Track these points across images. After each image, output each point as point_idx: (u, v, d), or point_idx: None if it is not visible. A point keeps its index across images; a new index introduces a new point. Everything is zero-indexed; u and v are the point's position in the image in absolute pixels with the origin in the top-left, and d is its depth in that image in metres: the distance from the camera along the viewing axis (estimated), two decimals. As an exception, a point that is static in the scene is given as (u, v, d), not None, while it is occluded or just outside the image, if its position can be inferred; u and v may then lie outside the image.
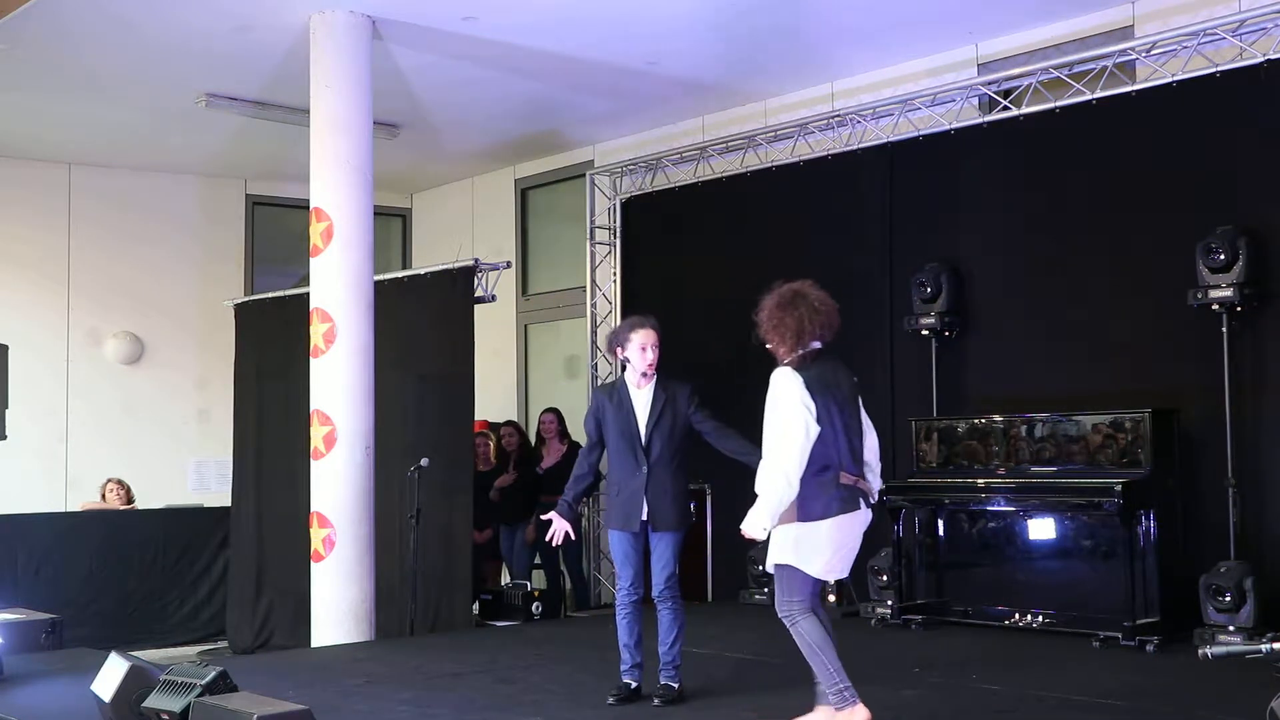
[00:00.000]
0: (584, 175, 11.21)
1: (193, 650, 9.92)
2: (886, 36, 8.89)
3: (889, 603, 8.11)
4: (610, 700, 5.82)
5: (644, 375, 5.89)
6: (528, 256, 12.57)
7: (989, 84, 8.57)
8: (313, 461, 8.40)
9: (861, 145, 9.23)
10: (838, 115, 9.37)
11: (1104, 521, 7.38)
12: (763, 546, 9.13)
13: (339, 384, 8.33)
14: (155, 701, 4.98)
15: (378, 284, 8.75)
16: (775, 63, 9.46)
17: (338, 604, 8.27)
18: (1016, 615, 7.69)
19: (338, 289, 8.37)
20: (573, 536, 6.09)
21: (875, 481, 5.05)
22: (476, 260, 9.51)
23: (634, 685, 5.90)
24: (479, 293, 9.53)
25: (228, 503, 10.93)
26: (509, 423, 10.86)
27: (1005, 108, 8.45)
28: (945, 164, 8.84)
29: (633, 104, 10.44)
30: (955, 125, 8.71)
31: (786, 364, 4.94)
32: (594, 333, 10.94)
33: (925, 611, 8.05)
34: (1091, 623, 7.25)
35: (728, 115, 10.53)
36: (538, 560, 10.47)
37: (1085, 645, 7.08)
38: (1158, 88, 7.71)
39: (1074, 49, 8.35)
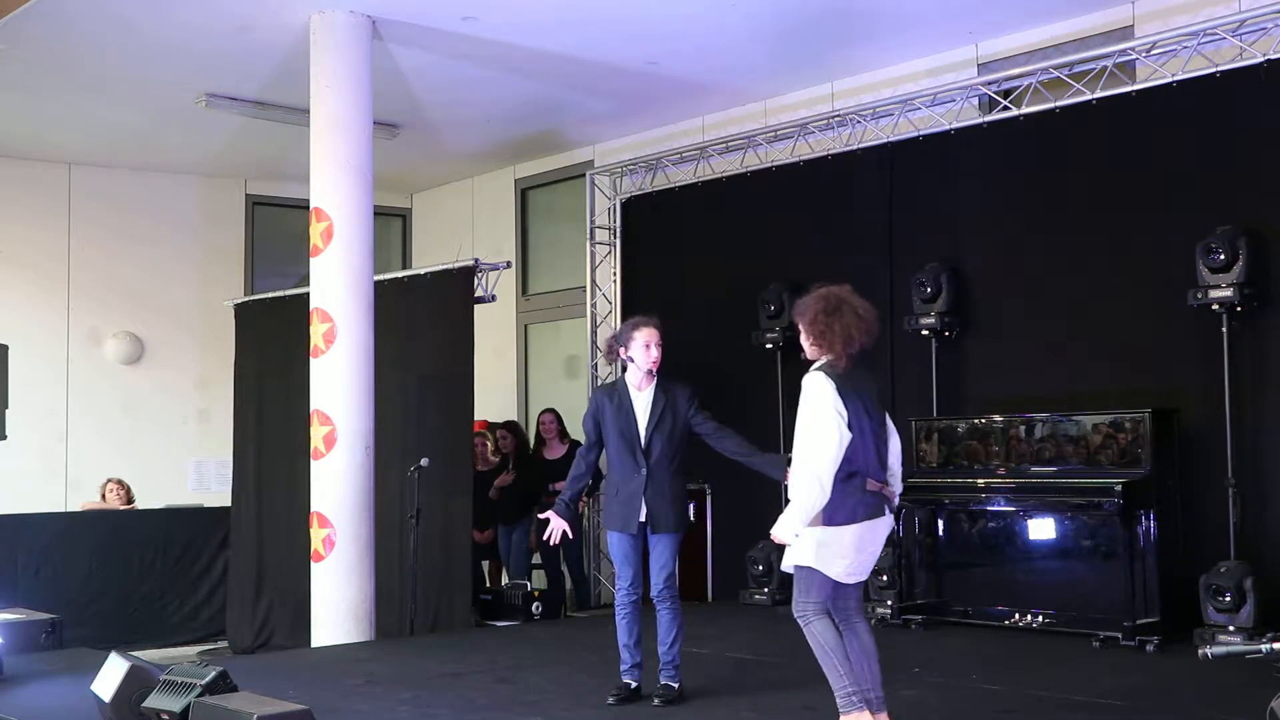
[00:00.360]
0: (584, 175, 11.21)
1: (193, 650, 9.93)
2: (886, 36, 8.90)
3: (889, 603, 8.11)
4: (610, 700, 5.83)
5: (647, 374, 5.89)
6: (528, 256, 12.57)
7: (989, 84, 8.57)
8: (313, 461, 8.40)
9: (861, 145, 9.23)
10: (838, 115, 9.37)
11: (1104, 521, 7.38)
12: (764, 547, 9.21)
13: (339, 384, 8.33)
14: (155, 701, 4.98)
15: (378, 284, 8.76)
16: (775, 63, 9.46)
17: (338, 604, 8.27)
18: (1016, 615, 7.69)
19: (338, 289, 8.37)
20: (570, 535, 6.10)
21: (896, 486, 5.05)
22: (476, 260, 9.51)
23: (634, 685, 5.90)
24: (479, 293, 9.53)
25: (228, 503, 10.93)
26: (507, 423, 10.86)
27: (1005, 108, 8.45)
28: (945, 164, 8.84)
29: (633, 104, 10.44)
30: (955, 125, 8.71)
31: (819, 368, 4.92)
32: (594, 333, 10.94)
33: (925, 611, 8.04)
34: (1091, 623, 7.25)
35: (728, 115, 10.53)
36: (537, 560, 10.47)
37: (1085, 645, 7.08)
38: (1158, 88, 7.71)
39: (1074, 49, 8.35)
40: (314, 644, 8.30)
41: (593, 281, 11.06)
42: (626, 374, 5.99)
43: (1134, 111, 7.87)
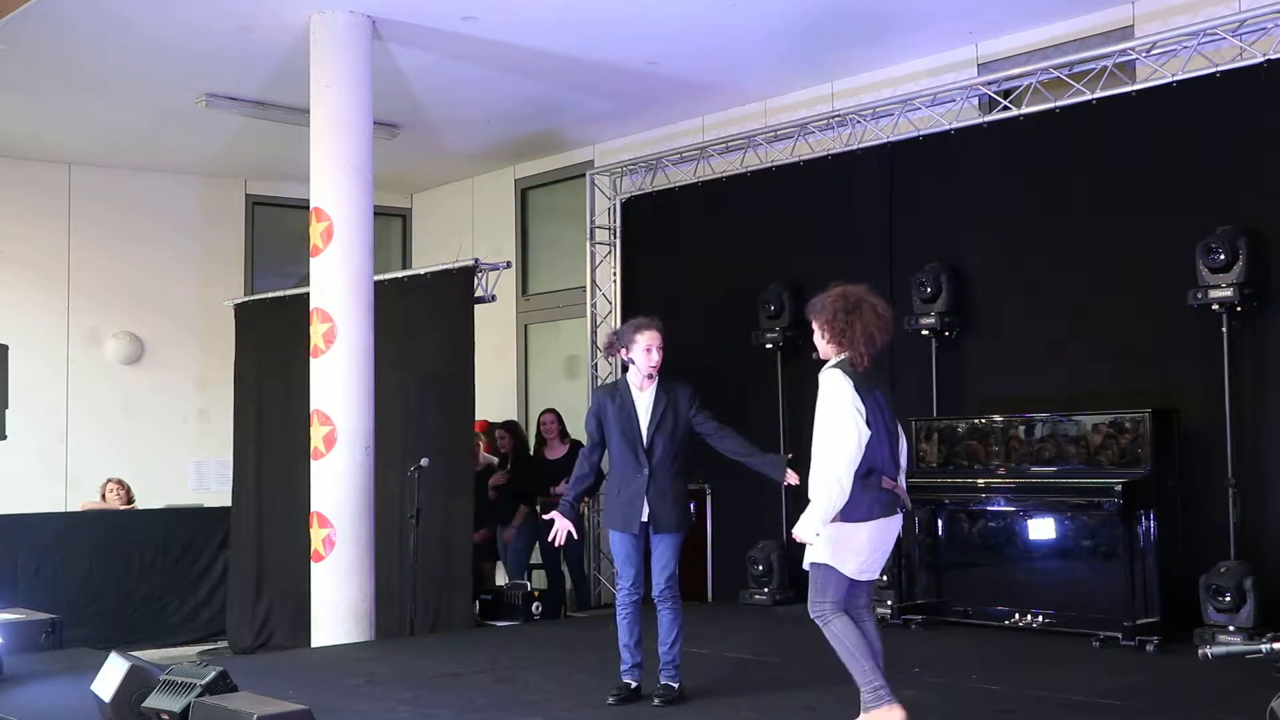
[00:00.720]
0: (584, 175, 11.21)
1: (193, 650, 9.93)
2: (886, 36, 8.89)
3: (889, 603, 8.10)
4: (610, 700, 5.83)
5: (648, 377, 5.89)
6: (528, 256, 12.57)
7: (989, 84, 8.57)
8: (313, 461, 8.40)
9: (861, 145, 9.23)
10: (838, 115, 9.37)
11: (1104, 521, 7.38)
12: (764, 547, 9.20)
13: (339, 384, 8.33)
14: (155, 701, 4.98)
15: (378, 284, 8.76)
16: (775, 63, 9.47)
17: (338, 604, 8.27)
18: (1016, 615, 7.69)
19: (338, 289, 8.37)
20: (575, 536, 6.09)
21: (902, 484, 5.06)
22: (476, 260, 9.51)
23: (634, 685, 5.90)
24: (479, 293, 9.53)
25: (228, 503, 10.93)
26: (506, 423, 10.86)
27: (1005, 108, 8.45)
28: (945, 164, 8.84)
29: (633, 104, 10.44)
30: (955, 125, 8.71)
31: (836, 366, 4.92)
32: (594, 333, 10.94)
33: (925, 611, 8.04)
34: (1091, 623, 7.25)
35: (728, 115, 10.53)
36: (537, 559, 10.48)
37: (1085, 645, 7.08)
38: (1158, 88, 7.71)
39: (1074, 49, 8.35)
40: (314, 644, 8.30)
41: (593, 281, 11.06)
42: (628, 374, 5.99)
43: (1134, 111, 7.87)
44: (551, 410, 10.55)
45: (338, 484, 8.29)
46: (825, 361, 5.02)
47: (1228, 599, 6.78)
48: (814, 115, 9.57)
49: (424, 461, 8.63)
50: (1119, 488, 7.11)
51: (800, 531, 4.83)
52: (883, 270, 8.99)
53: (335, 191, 8.41)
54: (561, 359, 12.28)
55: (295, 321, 9.19)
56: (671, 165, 10.55)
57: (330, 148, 8.44)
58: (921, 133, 8.88)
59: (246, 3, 8.21)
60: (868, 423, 4.79)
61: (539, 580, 10.46)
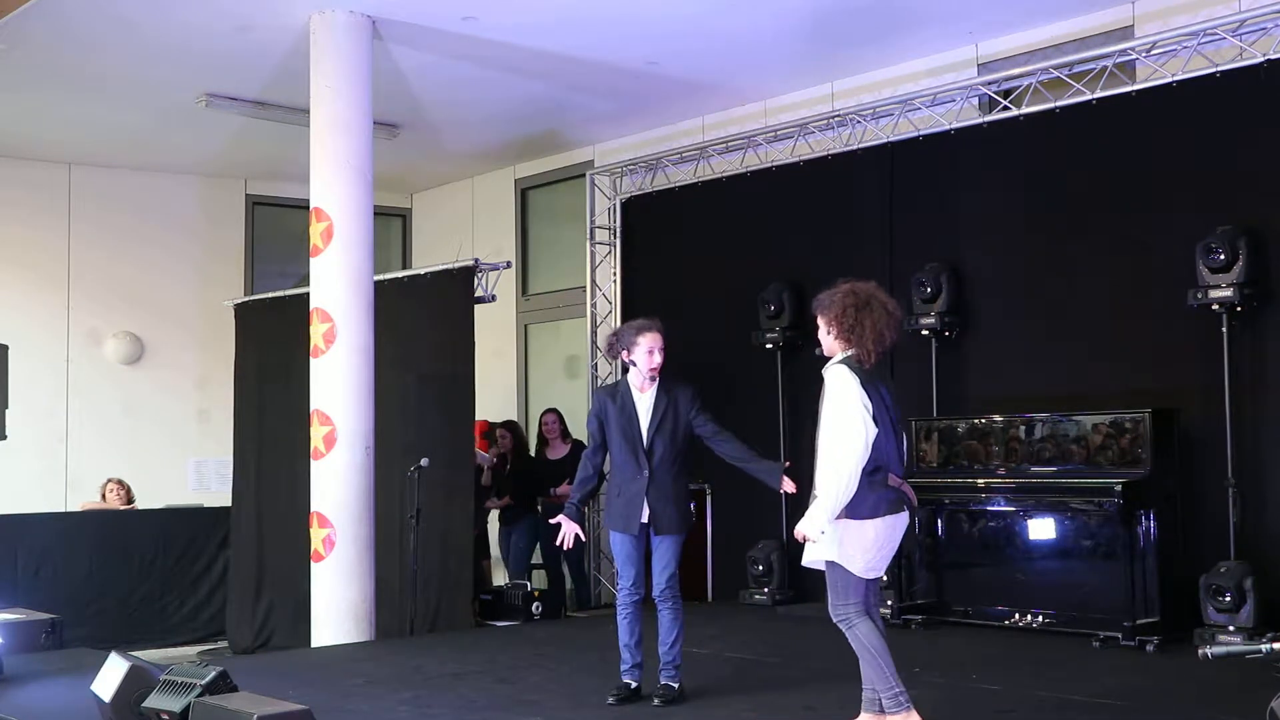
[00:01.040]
0: (584, 175, 11.21)
1: (193, 650, 9.93)
2: (886, 36, 8.89)
3: (889, 602, 8.10)
4: (610, 700, 5.83)
5: (649, 379, 5.89)
6: (528, 256, 12.57)
7: (989, 84, 8.57)
8: (313, 461, 8.40)
9: (861, 145, 9.23)
10: (838, 115, 9.37)
11: (1104, 521, 7.38)
12: (764, 547, 9.20)
13: (339, 384, 8.34)
14: (155, 701, 4.98)
15: (378, 284, 8.76)
16: (775, 63, 9.47)
17: (337, 604, 8.27)
18: (1016, 615, 7.69)
19: (338, 289, 8.37)
20: (583, 539, 6.09)
21: None
22: (476, 260, 9.51)
23: (634, 685, 5.90)
24: (479, 293, 9.52)
25: (228, 503, 10.93)
26: (506, 423, 10.87)
27: (1005, 108, 8.44)
28: (945, 164, 8.84)
29: (633, 104, 10.44)
30: (955, 125, 8.71)
31: (841, 362, 4.89)
32: (594, 333, 10.94)
33: (925, 611, 8.05)
34: (1091, 623, 7.26)
35: (728, 115, 10.53)
36: (536, 559, 10.48)
37: (1085, 645, 7.08)
38: (1158, 88, 7.71)
39: (1074, 49, 8.34)
40: (314, 644, 8.30)
41: (593, 281, 11.06)
42: (629, 375, 5.99)
43: (1134, 111, 7.87)
44: (553, 410, 10.56)
45: (338, 484, 8.29)
46: (827, 358, 5.00)
47: (1228, 599, 6.78)
48: (814, 115, 9.57)
49: (424, 461, 8.62)
50: (1119, 488, 7.11)
51: (805, 528, 4.80)
52: (883, 270, 8.98)
53: (335, 191, 8.41)
54: (561, 359, 12.28)
55: (295, 321, 9.19)
56: (671, 165, 10.55)
57: (330, 148, 8.44)
58: (921, 133, 8.88)
59: (246, 3, 8.21)
60: (874, 419, 4.78)
61: (539, 580, 10.46)
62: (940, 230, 8.86)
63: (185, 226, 12.53)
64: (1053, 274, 8.27)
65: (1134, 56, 7.87)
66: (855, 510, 4.77)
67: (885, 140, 9.09)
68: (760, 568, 9.19)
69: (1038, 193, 8.41)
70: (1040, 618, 7.59)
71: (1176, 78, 7.61)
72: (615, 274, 11.01)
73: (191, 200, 12.62)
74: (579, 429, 9.92)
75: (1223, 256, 7.17)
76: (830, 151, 9.41)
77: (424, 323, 9.68)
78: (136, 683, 5.11)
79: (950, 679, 6.26)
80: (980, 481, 7.93)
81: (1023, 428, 7.91)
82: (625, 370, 6.05)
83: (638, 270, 10.92)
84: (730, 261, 10.04)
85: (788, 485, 5.68)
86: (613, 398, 5.96)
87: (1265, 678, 5.19)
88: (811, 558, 4.92)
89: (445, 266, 9.73)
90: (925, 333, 8.62)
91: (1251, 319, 7.29)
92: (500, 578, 10.58)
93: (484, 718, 5.72)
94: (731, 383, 9.47)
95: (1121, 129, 7.95)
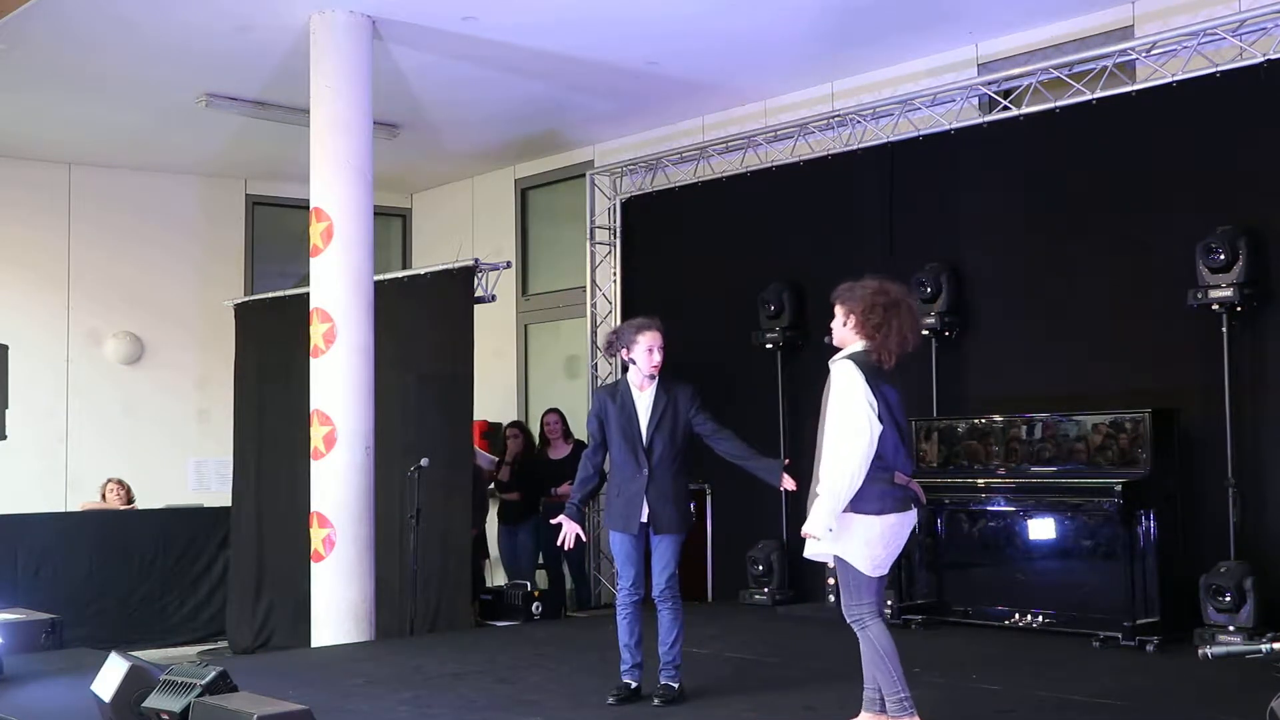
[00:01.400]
0: (584, 175, 11.21)
1: (193, 650, 9.93)
2: (886, 36, 8.89)
3: (889, 602, 8.09)
4: (610, 700, 5.83)
5: (649, 377, 5.89)
6: (528, 256, 12.56)
7: (989, 84, 8.57)
8: (313, 461, 8.40)
9: (861, 145, 9.23)
10: (838, 115, 9.37)
11: (1104, 521, 7.38)
12: (764, 547, 9.20)
13: (339, 384, 8.33)
14: (155, 701, 4.98)
15: (378, 284, 8.76)
16: (775, 63, 9.46)
17: (338, 604, 8.27)
18: (1016, 615, 7.69)
19: (338, 289, 8.37)
20: (584, 539, 6.08)
21: None
22: (476, 260, 9.51)
23: (634, 685, 5.90)
24: (479, 293, 9.53)
25: (228, 503, 10.93)
26: (514, 423, 10.88)
27: (1005, 108, 8.44)
28: (945, 164, 8.84)
29: (633, 104, 10.44)
30: (955, 125, 8.71)
31: (848, 357, 4.87)
32: (594, 333, 10.94)
33: (925, 611, 8.05)
34: (1091, 623, 7.26)
35: (728, 115, 10.53)
36: (542, 559, 10.48)
37: (1085, 645, 7.08)
38: (1158, 88, 7.71)
39: (1074, 49, 8.34)
40: (314, 644, 8.30)
41: (593, 281, 11.06)
42: (628, 374, 5.99)
43: (1134, 111, 7.87)
44: (554, 410, 10.57)
45: (338, 484, 8.29)
46: (835, 348, 4.99)
47: (1228, 599, 6.78)
48: (814, 115, 9.57)
49: (424, 461, 8.62)
50: (1119, 488, 7.11)
51: (811, 527, 4.79)
52: (883, 271, 8.91)
53: (335, 191, 8.41)
54: (561, 359, 12.28)
55: (295, 321, 9.20)
56: (671, 165, 10.55)
57: (330, 148, 8.44)
58: (921, 133, 8.88)
59: (246, 3, 8.21)
60: (880, 417, 4.76)
61: (539, 580, 10.46)
62: (940, 230, 8.86)
63: (185, 226, 12.53)
64: (1053, 274, 8.27)
65: (1134, 56, 7.87)
66: (862, 506, 4.76)
67: (885, 140, 9.08)
68: (760, 568, 9.19)
69: (1038, 193, 8.41)
70: (1040, 618, 7.59)
71: (1176, 78, 7.61)
72: (615, 274, 11.01)
73: (191, 200, 12.62)
74: (579, 429, 9.92)
75: (1223, 256, 7.17)
76: (830, 151, 9.41)
77: (424, 323, 9.68)
78: (136, 683, 5.11)
79: (950, 679, 6.26)
80: (980, 481, 7.93)
81: (1023, 428, 7.91)
82: (625, 369, 6.05)
83: (638, 270, 10.91)
84: (730, 261, 10.04)
85: (788, 483, 5.67)
86: (613, 397, 5.97)
87: (1265, 678, 5.19)
88: (815, 550, 4.90)
89: (445, 266, 9.73)
90: (925, 333, 8.60)
91: (1251, 319, 7.28)
92: (499, 578, 10.57)
93: (484, 718, 5.72)
94: (731, 383, 9.47)
95: (1121, 129, 7.95)
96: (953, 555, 8.24)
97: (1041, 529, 7.77)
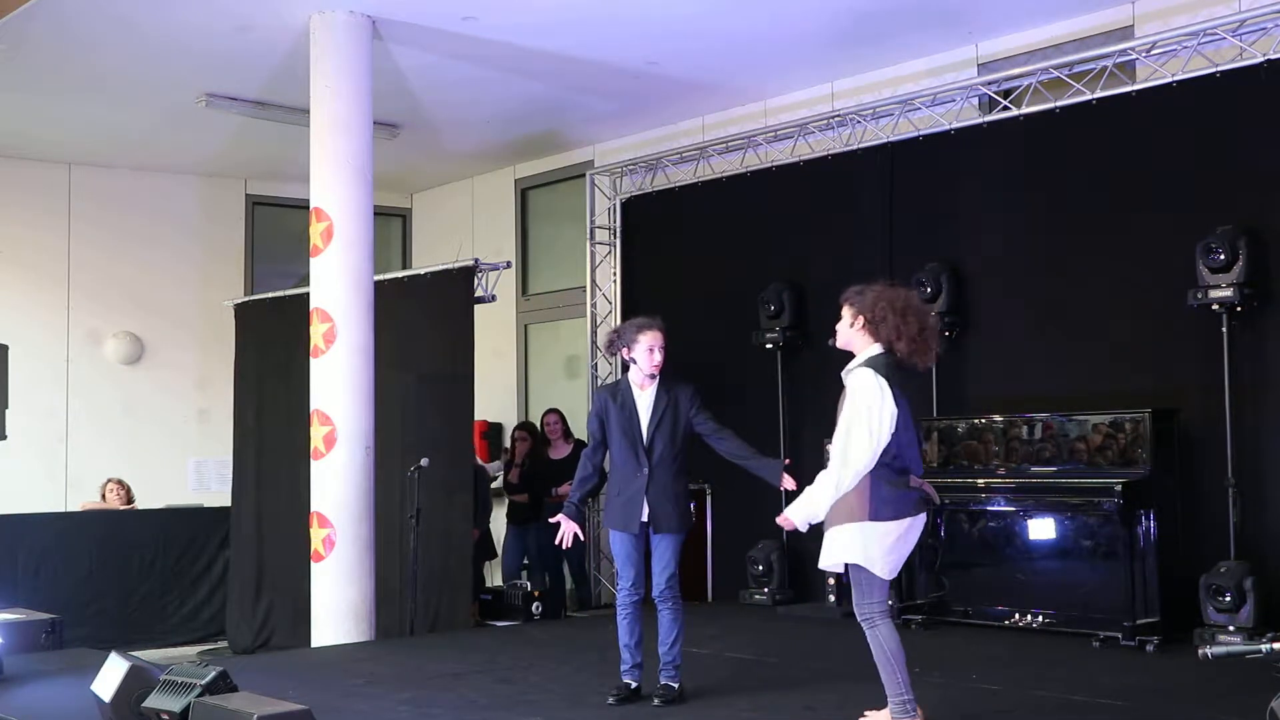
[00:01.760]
0: (584, 175, 11.21)
1: (193, 650, 9.93)
2: (886, 36, 8.89)
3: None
4: (610, 700, 5.83)
5: (650, 377, 5.89)
6: (528, 256, 12.56)
7: (989, 84, 8.57)
8: (313, 461, 8.40)
9: (861, 145, 9.23)
10: (838, 115, 9.37)
11: (1104, 521, 7.38)
12: (764, 547, 9.19)
13: (339, 384, 8.33)
14: (155, 701, 4.98)
15: (378, 284, 8.75)
16: (775, 63, 9.46)
17: (338, 604, 8.27)
18: (1016, 615, 7.69)
19: (338, 289, 8.37)
20: (582, 538, 6.08)
21: None
22: (476, 260, 9.51)
23: (634, 685, 5.90)
24: (479, 293, 9.53)
25: (228, 503, 10.93)
26: (523, 424, 10.88)
27: (1005, 108, 8.45)
28: (945, 164, 8.84)
29: (633, 104, 10.44)
30: (955, 125, 8.71)
31: (868, 364, 4.90)
32: (594, 333, 10.94)
33: (925, 611, 8.04)
34: (1091, 623, 7.26)
35: (728, 115, 10.53)
36: (527, 560, 10.47)
37: (1085, 645, 7.08)
38: (1158, 88, 7.71)
39: (1074, 49, 8.34)
40: (314, 644, 8.29)
41: (593, 281, 11.06)
42: (629, 373, 5.99)
43: (1134, 111, 7.87)
44: (555, 410, 10.57)
45: (338, 484, 8.29)
46: (841, 350, 5.03)
47: (1228, 599, 6.78)
48: (814, 115, 9.57)
49: (424, 461, 8.62)
50: (1119, 488, 7.11)
51: (795, 516, 4.87)
52: (883, 270, 8.96)
53: (335, 191, 8.41)
54: (561, 359, 12.28)
55: (295, 321, 9.20)
56: (671, 165, 10.55)
57: (330, 148, 8.44)
58: (921, 133, 8.88)
59: (246, 3, 8.21)
60: (899, 425, 4.81)
61: (526, 582, 10.44)
62: (940, 230, 8.86)
63: (185, 226, 12.52)
64: (1053, 274, 8.27)
65: (1134, 56, 7.87)
66: (880, 513, 4.80)
67: (885, 140, 9.09)
68: (760, 568, 9.19)
69: (1038, 193, 8.41)
70: (1040, 618, 7.59)
71: (1176, 78, 7.61)
72: (615, 274, 11.01)
73: (191, 200, 12.61)
74: (580, 429, 9.92)
75: (1223, 256, 7.17)
76: (830, 151, 9.41)
77: (424, 323, 9.69)
78: (136, 683, 5.11)
79: (950, 679, 6.26)
80: (980, 482, 7.93)
81: (1023, 428, 7.91)
82: (626, 369, 6.05)
83: (638, 270, 10.92)
84: (730, 261, 10.04)
85: (788, 483, 5.68)
86: (613, 396, 5.97)
87: (1265, 678, 5.19)
88: (831, 561, 4.93)
89: (445, 266, 9.74)
90: (925, 333, 8.62)
91: (1251, 319, 7.28)
92: (499, 578, 10.57)
93: (484, 718, 5.72)
94: (731, 383, 9.47)
95: (1121, 129, 7.95)
96: (953, 555, 8.23)
97: (1041, 529, 7.77)
